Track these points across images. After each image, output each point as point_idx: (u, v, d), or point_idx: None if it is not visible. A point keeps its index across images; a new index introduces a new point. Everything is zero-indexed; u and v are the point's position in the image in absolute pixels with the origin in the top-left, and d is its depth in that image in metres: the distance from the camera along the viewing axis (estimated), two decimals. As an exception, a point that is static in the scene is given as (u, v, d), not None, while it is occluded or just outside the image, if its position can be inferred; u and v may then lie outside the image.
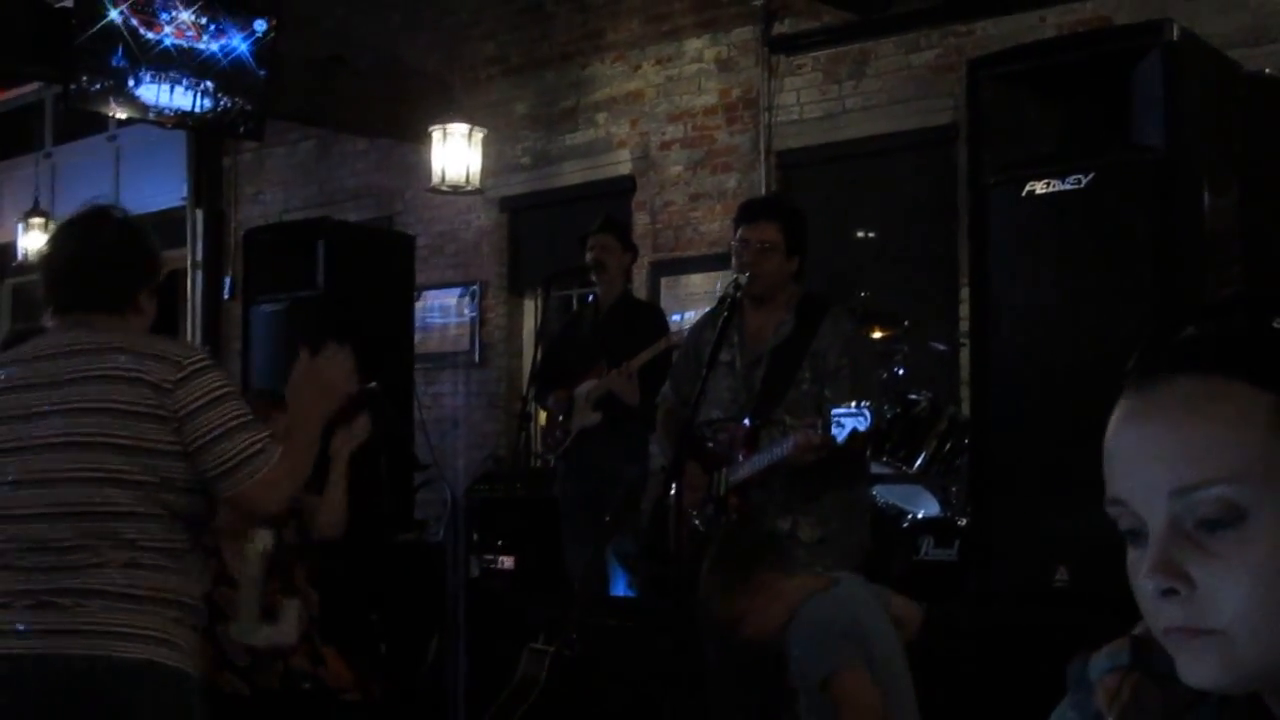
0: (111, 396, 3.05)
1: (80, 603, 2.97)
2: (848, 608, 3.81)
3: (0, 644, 2.96)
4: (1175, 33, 4.35)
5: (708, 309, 5.10)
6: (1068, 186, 4.45)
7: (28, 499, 3.03)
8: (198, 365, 3.12)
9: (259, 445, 3.11)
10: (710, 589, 3.94)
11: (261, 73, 9.40)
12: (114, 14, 8.68)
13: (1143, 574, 1.15)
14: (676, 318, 8.32)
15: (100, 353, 3.11)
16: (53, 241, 3.52)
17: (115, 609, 2.98)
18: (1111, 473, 1.19)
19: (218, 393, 3.10)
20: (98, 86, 8.92)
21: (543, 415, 7.29)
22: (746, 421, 4.78)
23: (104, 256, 3.28)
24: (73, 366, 3.10)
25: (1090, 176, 4.41)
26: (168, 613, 3.05)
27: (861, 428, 4.25)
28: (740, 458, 4.75)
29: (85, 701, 2.96)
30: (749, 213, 4.99)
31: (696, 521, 4.85)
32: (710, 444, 4.90)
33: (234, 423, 3.09)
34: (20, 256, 13.48)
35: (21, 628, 2.96)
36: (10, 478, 3.05)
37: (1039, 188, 4.52)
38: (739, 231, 4.93)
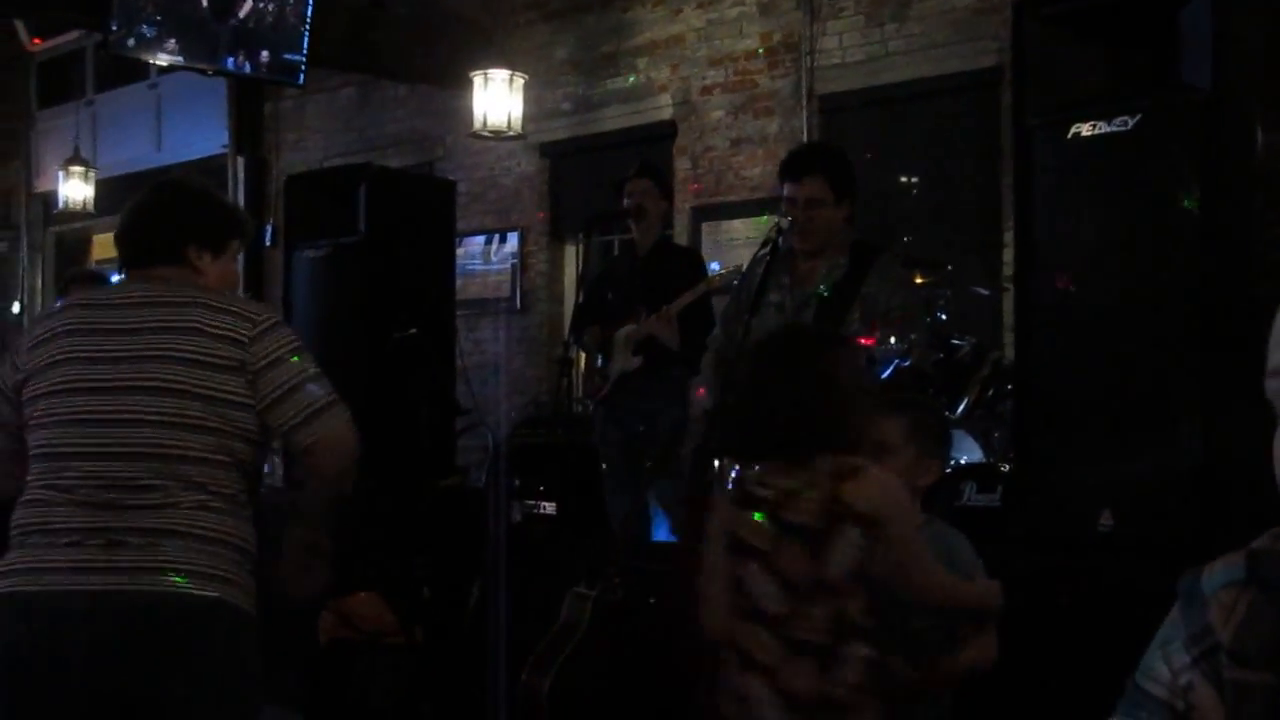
0: (191, 347, 3.18)
1: (154, 541, 3.07)
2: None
3: (78, 580, 3.04)
4: (1224, -29, 4.29)
5: (760, 251, 5.06)
6: (1114, 128, 4.39)
7: (103, 437, 3.13)
8: (270, 322, 3.30)
9: (332, 396, 3.29)
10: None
11: (304, 27, 9.41)
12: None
13: None
14: (715, 266, 8.30)
15: (179, 306, 3.25)
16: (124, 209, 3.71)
17: (187, 549, 3.09)
18: None
19: (289, 347, 3.27)
20: (132, 41, 8.93)
21: (583, 360, 7.29)
22: None
23: (158, 213, 3.47)
24: (151, 316, 3.24)
25: (1137, 118, 4.35)
26: (232, 555, 3.17)
27: (905, 364, 4.25)
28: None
29: (160, 637, 3.04)
30: (792, 169, 4.91)
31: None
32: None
33: (308, 374, 3.27)
34: (61, 204, 13.53)
35: (98, 564, 3.04)
36: (82, 416, 3.16)
37: (1085, 129, 4.47)
38: (785, 189, 4.88)
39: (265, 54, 9.40)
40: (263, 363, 3.20)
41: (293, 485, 3.47)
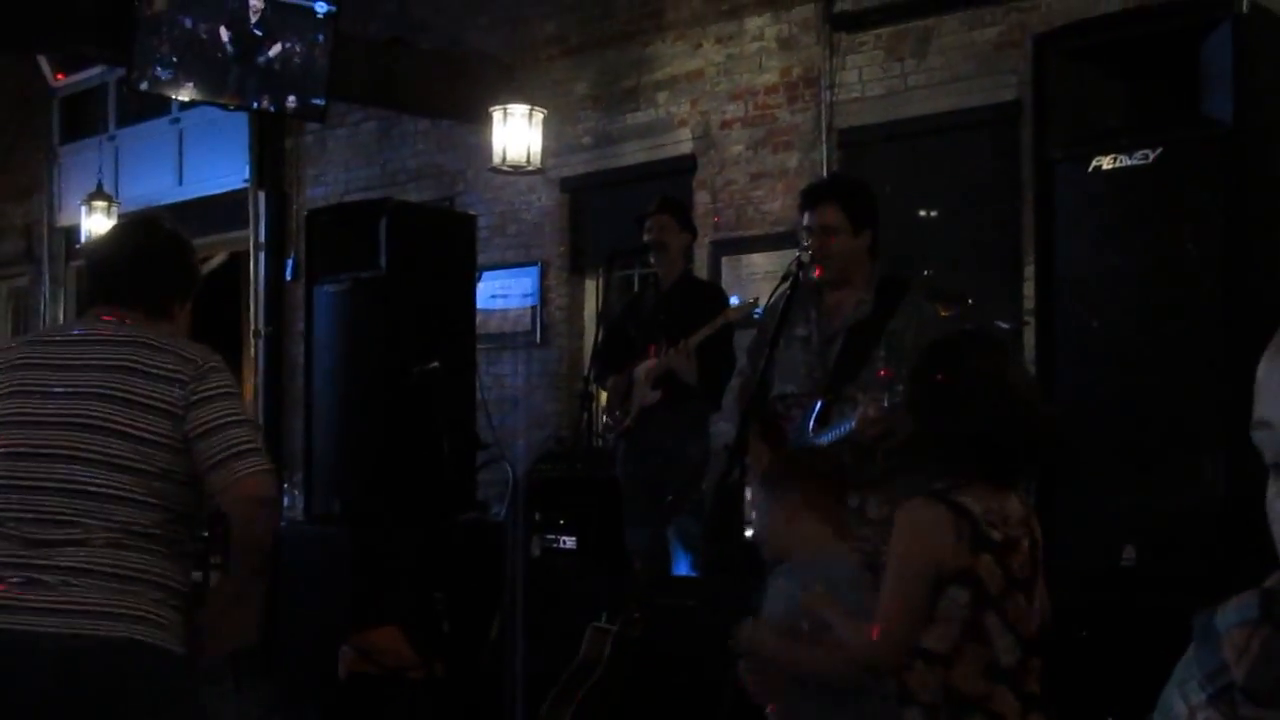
0: (123, 386, 3.19)
1: (68, 580, 3.06)
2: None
3: None
4: (1244, 5, 4.29)
5: (780, 286, 5.06)
6: (1135, 161, 4.39)
7: (33, 471, 3.14)
8: (211, 364, 3.28)
9: (255, 443, 3.26)
10: None
11: (323, 63, 9.46)
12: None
13: None
14: (735, 300, 8.32)
15: (118, 344, 3.26)
16: (101, 240, 3.69)
17: (101, 588, 3.08)
18: (1263, 396, 1.18)
19: (223, 389, 3.26)
20: (145, 84, 8.97)
21: (604, 395, 7.29)
22: (819, 403, 4.76)
23: (143, 258, 3.46)
24: (89, 353, 3.25)
25: (1158, 151, 4.35)
26: (152, 594, 3.15)
27: None
28: (811, 433, 4.73)
29: (72, 679, 3.02)
30: (808, 198, 4.95)
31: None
32: (783, 419, 4.89)
33: (234, 417, 3.23)
34: (84, 238, 13.58)
35: (13, 604, 3.04)
36: (18, 449, 3.17)
37: (1106, 163, 4.47)
38: (803, 218, 4.91)
39: (292, 98, 9.46)
40: (195, 399, 3.19)
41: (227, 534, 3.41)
